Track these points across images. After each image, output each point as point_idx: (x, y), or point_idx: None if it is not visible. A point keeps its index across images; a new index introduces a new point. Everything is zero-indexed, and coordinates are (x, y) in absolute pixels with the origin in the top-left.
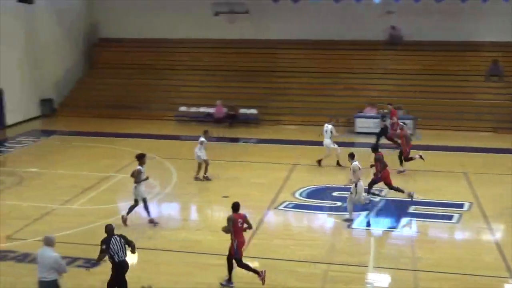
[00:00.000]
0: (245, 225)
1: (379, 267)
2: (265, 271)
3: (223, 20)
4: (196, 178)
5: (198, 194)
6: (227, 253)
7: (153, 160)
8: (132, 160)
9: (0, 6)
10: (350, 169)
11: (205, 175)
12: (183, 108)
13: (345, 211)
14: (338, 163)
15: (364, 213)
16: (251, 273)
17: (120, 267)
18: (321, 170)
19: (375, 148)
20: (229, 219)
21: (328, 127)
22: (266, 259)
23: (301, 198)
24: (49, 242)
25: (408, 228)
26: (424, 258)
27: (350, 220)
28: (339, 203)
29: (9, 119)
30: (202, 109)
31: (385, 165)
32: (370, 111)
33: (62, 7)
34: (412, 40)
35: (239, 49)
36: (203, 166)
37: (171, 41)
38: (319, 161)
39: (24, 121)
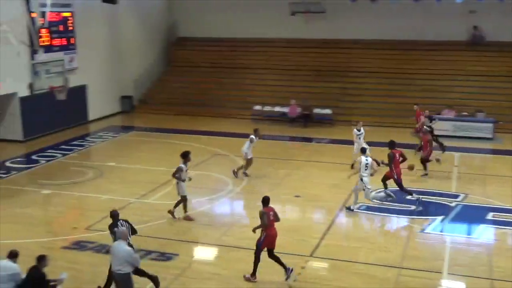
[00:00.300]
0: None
1: (453, 274)
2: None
3: (299, 20)
4: (244, 174)
5: (269, 192)
6: (296, 253)
7: (227, 158)
8: (207, 157)
9: (87, 6)
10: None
11: (245, 171)
12: (257, 107)
13: (420, 214)
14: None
15: (440, 218)
16: (253, 268)
17: None
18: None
19: (391, 144)
20: (263, 213)
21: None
22: (336, 260)
23: (374, 200)
24: (123, 236)
25: (485, 235)
26: (502, 267)
27: (350, 209)
28: (412, 207)
29: (91, 114)
30: (276, 108)
31: (397, 163)
32: (448, 114)
33: (144, 7)
34: (495, 40)
35: (314, 48)
36: (247, 163)
37: (248, 40)
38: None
39: (105, 117)
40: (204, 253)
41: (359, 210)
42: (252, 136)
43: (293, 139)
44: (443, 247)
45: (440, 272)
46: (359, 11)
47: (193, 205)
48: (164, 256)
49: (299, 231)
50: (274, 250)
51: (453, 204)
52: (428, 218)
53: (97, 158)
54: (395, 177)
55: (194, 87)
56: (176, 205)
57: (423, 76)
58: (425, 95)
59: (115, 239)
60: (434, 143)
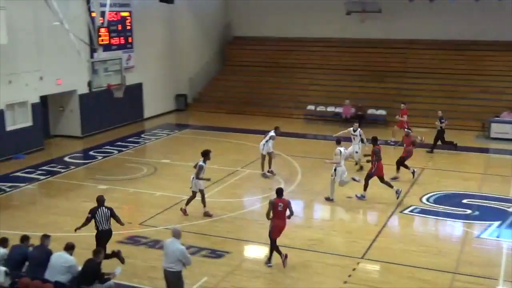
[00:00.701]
0: (288, 212)
1: (510, 281)
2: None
3: (355, 19)
4: (270, 171)
5: (322, 192)
6: (347, 254)
7: (279, 157)
8: (259, 156)
9: (144, 5)
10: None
11: (270, 169)
12: (310, 107)
13: (475, 219)
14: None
15: (497, 223)
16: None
17: (101, 235)
18: (451, 175)
19: (374, 140)
20: (270, 203)
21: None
22: (388, 263)
23: (429, 203)
24: (176, 234)
25: None
26: None
27: (330, 200)
28: (468, 211)
29: (147, 112)
30: (329, 109)
31: (380, 158)
32: (508, 116)
33: (200, 7)
34: None
35: (369, 48)
36: (267, 159)
37: (302, 39)
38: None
39: (160, 115)
40: (255, 251)
41: (413, 213)
42: (272, 133)
43: (346, 139)
44: (500, 253)
45: (496, 279)
46: (416, 11)
47: (245, 204)
48: (215, 254)
49: (351, 232)
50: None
51: (511, 210)
52: (484, 223)
53: (152, 155)
54: (375, 173)
55: (248, 86)
56: (188, 202)
57: (482, 77)
58: (484, 97)
59: (85, 224)
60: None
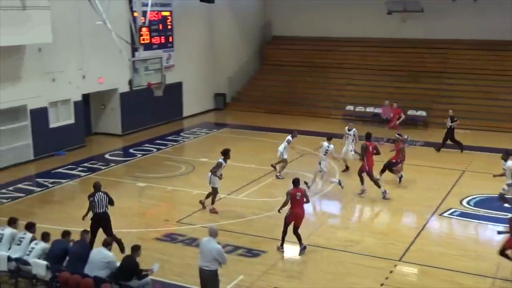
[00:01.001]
0: (305, 199)
1: None
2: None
3: (396, 19)
4: (277, 176)
5: (360, 194)
6: (384, 256)
7: (316, 157)
8: (296, 156)
9: (185, 5)
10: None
11: (278, 174)
12: (349, 107)
13: None
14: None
15: None
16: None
17: (96, 218)
18: (491, 178)
19: (367, 136)
20: (287, 194)
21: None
22: (425, 266)
23: (469, 206)
24: (213, 233)
25: None
26: None
27: (306, 185)
28: (510, 215)
29: (186, 111)
30: (368, 109)
31: (370, 155)
32: None
33: (240, 7)
34: None
35: (410, 48)
36: (282, 163)
37: (342, 39)
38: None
39: (199, 114)
40: (291, 251)
41: (453, 216)
42: (289, 138)
43: (388, 140)
44: None
45: None
46: (459, 10)
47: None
48: (251, 253)
49: (389, 234)
50: (299, 229)
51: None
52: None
53: (190, 154)
54: (367, 169)
55: (286, 85)
56: (208, 196)
57: None
58: None
59: (89, 209)
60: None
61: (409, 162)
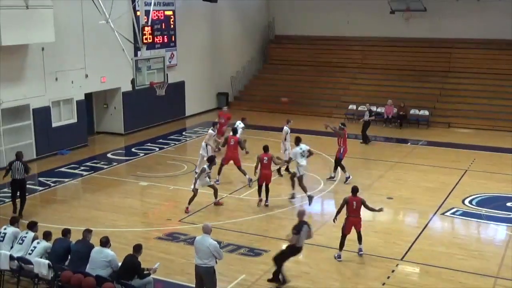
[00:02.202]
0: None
1: None
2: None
3: (399, 18)
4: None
5: (362, 193)
6: (386, 255)
7: (319, 157)
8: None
9: (188, 5)
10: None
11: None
12: (352, 106)
13: None
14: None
15: None
16: None
17: (15, 183)
18: (495, 177)
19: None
20: (257, 157)
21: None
22: (427, 265)
23: (471, 205)
24: (207, 230)
25: None
26: None
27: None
28: None
29: (188, 110)
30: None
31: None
32: None
33: (243, 6)
34: None
35: (413, 48)
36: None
37: (344, 38)
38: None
39: (201, 113)
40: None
41: (455, 216)
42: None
43: (387, 139)
44: None
45: None
46: (463, 10)
47: (283, 203)
48: (253, 252)
49: (391, 233)
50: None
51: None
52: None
53: (193, 153)
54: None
55: (289, 85)
56: (215, 195)
57: None
58: None
59: (6, 174)
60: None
61: (412, 161)
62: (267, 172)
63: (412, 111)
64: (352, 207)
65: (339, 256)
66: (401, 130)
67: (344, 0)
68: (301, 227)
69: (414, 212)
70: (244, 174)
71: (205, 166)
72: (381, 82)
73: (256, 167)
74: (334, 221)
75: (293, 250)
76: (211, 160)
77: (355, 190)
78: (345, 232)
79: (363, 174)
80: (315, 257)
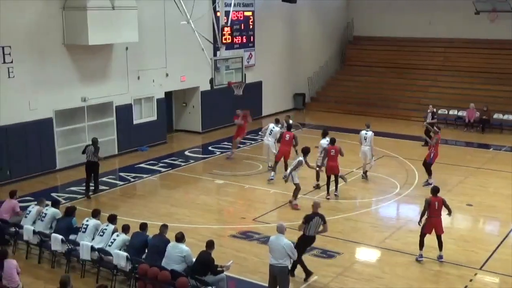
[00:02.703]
0: None
1: None
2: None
3: (484, 19)
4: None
5: None
6: (465, 264)
7: (396, 160)
8: (375, 158)
9: (267, 5)
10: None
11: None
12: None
13: None
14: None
15: None
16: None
17: (86, 165)
18: None
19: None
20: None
21: (367, 134)
22: (508, 276)
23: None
24: (282, 230)
25: None
26: None
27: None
28: None
29: (265, 110)
30: (452, 112)
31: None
32: None
33: (322, 6)
34: None
35: (498, 50)
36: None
37: (425, 40)
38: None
39: (278, 113)
40: (367, 254)
41: None
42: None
43: (469, 144)
44: None
45: None
46: None
47: (358, 205)
48: (326, 254)
49: (470, 242)
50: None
51: None
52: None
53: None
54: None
55: (367, 86)
56: (294, 194)
57: None
58: None
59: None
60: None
61: (494, 167)
62: (334, 164)
63: (495, 116)
64: (434, 207)
65: (420, 256)
66: (483, 135)
67: (426, 0)
68: (311, 217)
69: (495, 220)
70: (274, 170)
71: (301, 158)
72: (463, 85)
73: (323, 159)
74: (419, 224)
75: (304, 240)
76: (307, 152)
77: (436, 190)
78: (425, 232)
79: (442, 179)
80: (389, 261)
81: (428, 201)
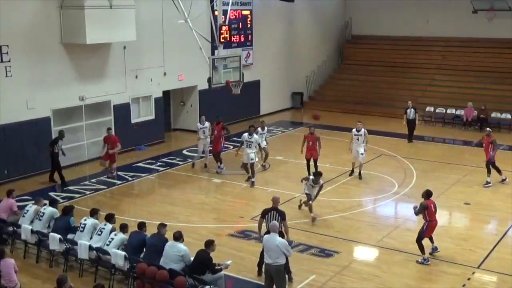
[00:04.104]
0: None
1: None
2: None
3: (481, 18)
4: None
5: (438, 198)
6: (462, 262)
7: (394, 159)
8: (373, 157)
9: (265, 4)
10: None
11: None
12: (429, 109)
13: None
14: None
15: None
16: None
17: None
18: None
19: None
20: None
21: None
22: (506, 274)
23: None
24: (275, 229)
25: None
26: None
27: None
28: None
29: (263, 109)
30: (449, 111)
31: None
32: None
33: (320, 5)
34: None
35: (496, 48)
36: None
37: (422, 39)
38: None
39: (276, 112)
40: (365, 253)
41: None
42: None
43: (466, 143)
44: None
45: None
46: None
47: (356, 204)
48: (324, 253)
49: (468, 240)
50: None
51: None
52: None
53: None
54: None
55: (364, 85)
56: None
57: None
58: None
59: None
60: None
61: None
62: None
63: (493, 114)
64: (431, 210)
65: (427, 260)
66: (481, 134)
67: (424, 0)
68: (267, 212)
69: (493, 219)
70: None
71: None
72: (460, 84)
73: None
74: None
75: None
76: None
77: (430, 193)
78: (424, 236)
79: (440, 178)
80: (387, 260)
81: (425, 205)
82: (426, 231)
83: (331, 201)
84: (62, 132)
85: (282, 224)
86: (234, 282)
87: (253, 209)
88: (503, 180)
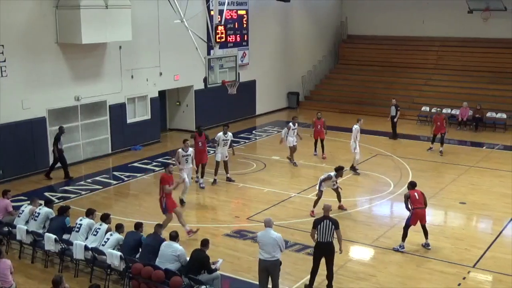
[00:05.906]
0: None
1: None
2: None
3: (477, 18)
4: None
5: (433, 197)
6: (458, 262)
7: (390, 158)
8: (369, 157)
9: (261, 4)
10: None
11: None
12: (425, 108)
13: None
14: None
15: None
16: None
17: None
18: None
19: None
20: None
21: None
22: (501, 274)
23: None
24: (270, 224)
25: None
26: None
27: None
28: None
29: (259, 109)
30: (445, 110)
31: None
32: None
33: (315, 5)
34: None
35: (491, 48)
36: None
37: (418, 38)
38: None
39: (272, 112)
40: (360, 253)
41: None
42: (290, 123)
43: (462, 143)
44: None
45: None
46: None
47: (351, 204)
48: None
49: (463, 239)
50: None
51: None
52: None
53: (262, 152)
54: None
55: (361, 85)
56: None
57: None
58: None
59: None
60: None
61: (487, 166)
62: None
63: (488, 114)
64: (415, 198)
65: (402, 247)
66: (476, 134)
67: (420, 0)
68: (319, 221)
69: (488, 218)
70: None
71: (332, 173)
72: (456, 83)
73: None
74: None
75: (316, 247)
76: (338, 170)
77: (413, 184)
78: (410, 223)
79: (435, 178)
80: (383, 260)
81: (407, 195)
82: (412, 219)
83: (327, 200)
84: (62, 128)
85: (335, 233)
86: (230, 282)
87: (249, 209)
88: (430, 148)
